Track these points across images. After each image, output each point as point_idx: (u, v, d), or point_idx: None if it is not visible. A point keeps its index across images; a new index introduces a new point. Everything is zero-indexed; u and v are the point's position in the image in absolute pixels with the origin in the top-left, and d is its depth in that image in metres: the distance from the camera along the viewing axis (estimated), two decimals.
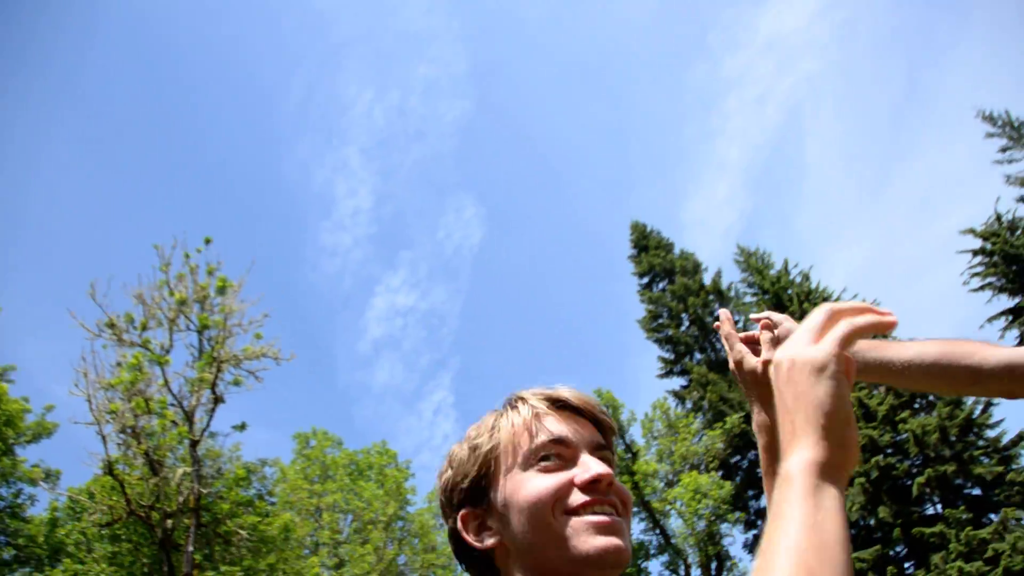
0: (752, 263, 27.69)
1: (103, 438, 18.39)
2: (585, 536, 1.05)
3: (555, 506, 1.08)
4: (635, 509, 24.85)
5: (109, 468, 17.98)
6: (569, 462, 1.12)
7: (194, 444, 19.01)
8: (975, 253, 22.56)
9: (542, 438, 1.14)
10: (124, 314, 20.18)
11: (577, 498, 1.08)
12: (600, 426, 1.20)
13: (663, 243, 32.02)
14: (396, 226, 72.16)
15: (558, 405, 1.19)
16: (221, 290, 20.76)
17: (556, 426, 1.16)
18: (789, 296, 24.83)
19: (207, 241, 21.36)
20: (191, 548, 17.85)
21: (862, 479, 20.04)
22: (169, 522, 18.19)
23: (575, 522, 1.06)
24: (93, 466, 18.55)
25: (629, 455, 25.40)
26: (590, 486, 1.09)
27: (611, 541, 1.04)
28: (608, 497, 1.09)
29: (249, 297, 21.20)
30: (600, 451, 1.15)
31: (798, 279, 25.46)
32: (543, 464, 1.13)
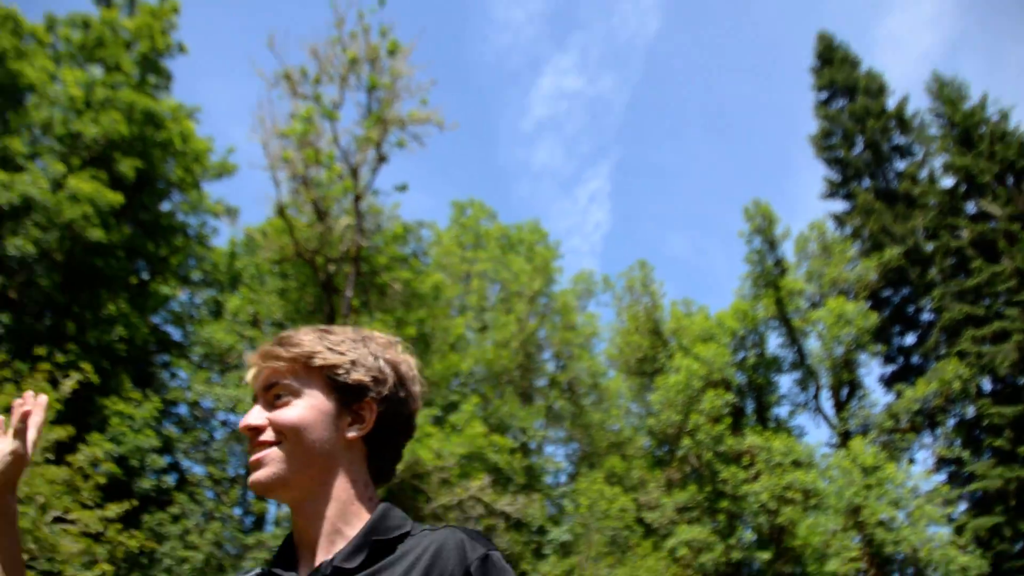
0: (945, 93, 25.24)
1: (276, 183, 19.71)
2: None
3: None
4: (775, 324, 24.86)
5: (280, 211, 19.31)
6: None
7: (357, 198, 20.01)
8: None
9: None
10: (299, 67, 20.76)
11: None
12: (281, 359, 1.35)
13: (849, 58, 29.52)
14: (571, 6, 69.29)
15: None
16: (391, 52, 20.90)
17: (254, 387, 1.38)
18: (980, 135, 22.73)
19: (381, 2, 21.26)
20: (350, 293, 19.34)
21: (1020, 336, 19.06)
22: (331, 267, 19.65)
23: None
24: (267, 208, 19.92)
25: (777, 270, 25.04)
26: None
27: (251, 479, 1.28)
28: (257, 439, 1.29)
29: (418, 62, 21.31)
30: (268, 391, 1.33)
31: (995, 117, 23.13)
32: None
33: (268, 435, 1.29)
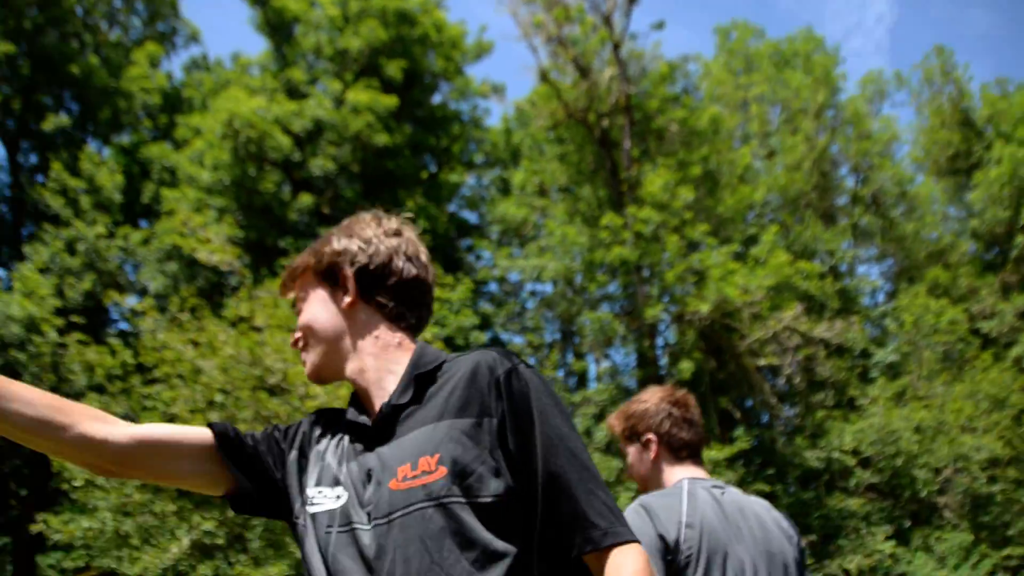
0: None
1: (533, 50, 19.74)
2: None
3: None
4: None
5: (544, 77, 19.41)
6: None
7: (616, 46, 19.56)
8: None
9: None
10: None
11: None
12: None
13: None
14: None
15: None
16: None
17: None
18: None
19: None
20: (628, 144, 19.23)
21: None
22: (605, 122, 19.57)
23: None
24: (530, 78, 20.10)
25: None
26: None
27: (304, 369, 1.63)
28: (299, 346, 1.61)
29: None
30: (294, 308, 1.66)
31: None
32: None
33: (300, 339, 1.61)
